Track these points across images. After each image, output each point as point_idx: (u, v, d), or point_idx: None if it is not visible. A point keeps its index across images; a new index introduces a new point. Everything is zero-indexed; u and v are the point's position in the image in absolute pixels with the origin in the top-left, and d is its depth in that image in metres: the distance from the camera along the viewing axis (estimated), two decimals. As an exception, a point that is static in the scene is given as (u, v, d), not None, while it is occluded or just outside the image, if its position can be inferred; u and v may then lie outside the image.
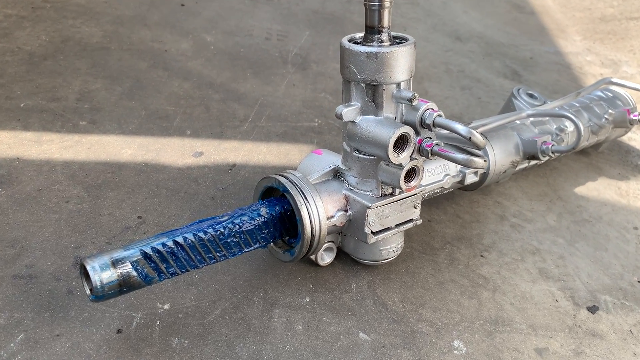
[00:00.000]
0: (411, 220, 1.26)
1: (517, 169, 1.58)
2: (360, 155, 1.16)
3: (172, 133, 1.63)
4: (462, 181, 1.43)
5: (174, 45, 2.11)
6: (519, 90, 1.80)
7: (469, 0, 3.32)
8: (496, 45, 2.74)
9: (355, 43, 1.13)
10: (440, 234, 1.48)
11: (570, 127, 1.64)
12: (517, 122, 1.60)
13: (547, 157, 1.52)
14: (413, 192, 1.21)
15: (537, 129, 1.60)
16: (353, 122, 1.13)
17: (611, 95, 1.87)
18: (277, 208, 1.15)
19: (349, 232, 1.22)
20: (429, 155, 1.13)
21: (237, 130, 1.70)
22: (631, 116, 1.73)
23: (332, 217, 1.17)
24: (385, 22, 1.08)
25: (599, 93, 1.89)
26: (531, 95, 1.80)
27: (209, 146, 1.60)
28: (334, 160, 1.28)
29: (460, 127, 1.07)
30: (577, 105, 1.77)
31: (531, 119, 1.61)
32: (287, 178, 1.16)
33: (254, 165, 1.56)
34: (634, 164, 1.93)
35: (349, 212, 1.19)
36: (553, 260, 1.45)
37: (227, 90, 1.89)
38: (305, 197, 1.13)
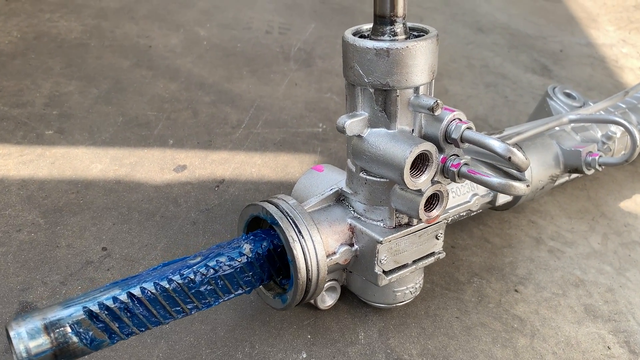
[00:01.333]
0: (432, 254, 1.03)
1: (557, 183, 1.33)
2: (368, 177, 0.93)
3: (151, 143, 1.40)
4: (492, 202, 1.19)
5: (162, 41, 1.89)
6: (554, 89, 1.55)
7: (491, -13, 3.05)
8: (522, 37, 2.48)
9: (361, 37, 0.90)
10: (466, 263, 1.24)
11: (618, 133, 1.39)
12: (556, 128, 1.35)
13: (592, 171, 1.28)
14: (441, 219, 0.98)
15: (580, 136, 1.35)
16: (359, 136, 0.90)
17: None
18: (264, 244, 0.92)
19: (355, 270, 0.99)
20: (456, 177, 0.90)
21: (228, 138, 1.47)
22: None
23: (334, 253, 0.94)
24: (400, 9, 0.84)
25: (648, 91, 1.63)
26: (569, 95, 1.55)
27: (194, 158, 1.38)
28: (337, 179, 1.06)
29: (496, 144, 0.83)
30: (624, 106, 1.51)
31: (572, 124, 1.36)
32: (277, 206, 0.93)
33: (245, 180, 1.33)
34: (688, 173, 1.67)
35: (355, 247, 0.96)
36: (600, 294, 1.21)
37: (219, 92, 1.67)
38: (299, 231, 0.89)
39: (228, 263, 0.87)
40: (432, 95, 0.90)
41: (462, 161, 0.89)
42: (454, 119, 0.87)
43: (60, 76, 1.60)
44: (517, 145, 1.23)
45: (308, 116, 1.63)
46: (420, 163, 0.87)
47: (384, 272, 0.96)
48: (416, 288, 1.06)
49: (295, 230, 0.89)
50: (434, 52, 0.85)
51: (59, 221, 1.14)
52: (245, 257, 0.89)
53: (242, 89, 1.70)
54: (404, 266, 0.99)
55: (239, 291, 0.90)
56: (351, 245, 0.96)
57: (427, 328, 1.06)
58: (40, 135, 1.37)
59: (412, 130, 0.89)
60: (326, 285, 1.02)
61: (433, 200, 0.93)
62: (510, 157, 0.83)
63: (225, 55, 1.88)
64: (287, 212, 0.91)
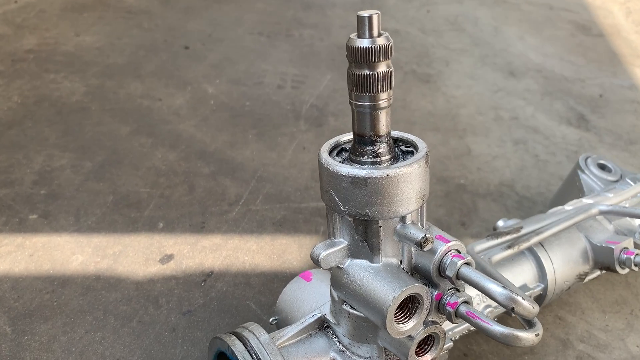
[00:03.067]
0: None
1: (587, 279, 1.17)
2: (351, 311, 0.80)
3: (139, 228, 1.31)
4: (509, 312, 1.04)
5: (167, 101, 1.81)
6: (586, 159, 1.39)
7: (526, 23, 2.88)
8: (557, 81, 2.31)
9: (341, 151, 0.78)
10: (479, 377, 1.09)
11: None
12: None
13: (627, 270, 1.11)
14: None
15: (613, 226, 1.19)
16: (338, 267, 0.77)
17: None
18: (231, 387, 0.80)
19: (339, 412, 0.87)
20: (452, 317, 0.76)
21: (223, 218, 1.37)
22: None
23: (313, 397, 0.82)
24: (383, 127, 0.72)
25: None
26: (603, 167, 1.39)
27: (183, 245, 1.28)
28: (326, 293, 0.94)
29: (497, 291, 0.69)
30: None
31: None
32: (245, 343, 0.81)
33: (236, 272, 1.23)
34: None
35: (341, 387, 0.83)
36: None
37: (220, 160, 1.57)
38: (267, 378, 0.78)
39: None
40: (424, 219, 0.77)
41: (460, 299, 0.75)
42: (449, 252, 0.74)
43: (55, 147, 1.54)
44: (540, 245, 1.09)
45: (314, 187, 1.51)
46: (410, 303, 0.75)
47: (372, 419, 0.83)
48: None
49: (263, 377, 0.78)
50: (423, 176, 0.72)
51: (28, 329, 1.06)
52: (207, 405, 0.78)
53: (246, 156, 1.60)
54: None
55: None
56: (332, 383, 0.84)
57: None
58: (23, 221, 1.30)
59: (401, 261, 0.76)
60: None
61: (428, 341, 0.80)
62: (513, 308, 0.69)
63: (232, 116, 1.78)
64: (255, 353, 0.80)
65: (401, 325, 0.73)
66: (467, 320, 0.74)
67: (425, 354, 0.79)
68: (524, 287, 1.05)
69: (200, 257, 1.25)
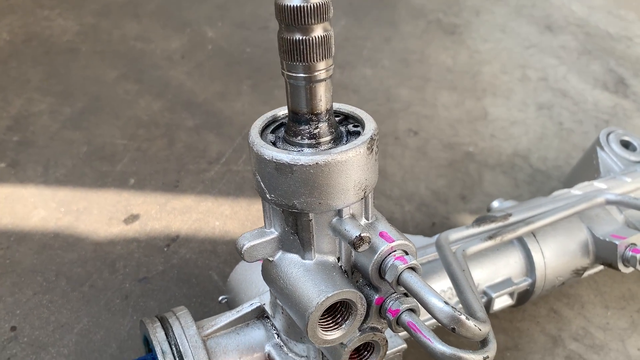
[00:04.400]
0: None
1: (586, 274, 1.05)
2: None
3: (109, 183, 1.25)
4: (487, 308, 0.93)
5: (161, 44, 1.71)
6: (608, 135, 1.24)
7: (574, -31, 2.61)
8: (600, 38, 2.08)
9: (279, 128, 0.67)
10: (450, 373, 1.00)
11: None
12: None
13: (631, 269, 0.98)
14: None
15: (623, 217, 1.05)
16: (269, 260, 0.68)
17: None
18: (152, 376, 0.74)
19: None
20: (394, 326, 0.67)
21: (200, 177, 1.29)
22: None
23: (240, 394, 0.74)
24: (320, 104, 0.61)
25: None
26: (627, 145, 1.23)
27: (152, 205, 1.21)
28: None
29: (437, 307, 0.59)
30: None
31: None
32: (166, 330, 0.74)
33: (204, 238, 1.15)
34: None
35: (280, 384, 0.76)
36: None
37: (207, 113, 1.47)
38: (184, 369, 0.71)
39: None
40: (369, 211, 0.66)
41: (403, 307, 0.65)
42: (393, 252, 0.63)
43: (36, 91, 1.47)
44: (531, 234, 0.96)
45: (304, 148, 1.41)
46: (343, 307, 0.65)
47: (306, 423, 0.76)
48: None
49: (180, 370, 0.70)
50: (364, 165, 0.61)
51: (-25, 287, 1.02)
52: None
53: (236, 109, 1.50)
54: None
55: None
56: (268, 379, 0.76)
57: None
58: (-10, 169, 1.26)
59: (338, 258, 0.66)
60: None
61: (368, 348, 0.71)
62: (454, 329, 0.58)
63: (229, 63, 1.67)
64: (175, 344, 0.72)
65: (328, 333, 0.64)
66: (408, 331, 0.64)
67: (364, 361, 0.70)
68: (508, 282, 0.94)
69: (168, 219, 1.18)
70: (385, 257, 0.64)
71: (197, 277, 1.08)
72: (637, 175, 1.11)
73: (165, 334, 0.74)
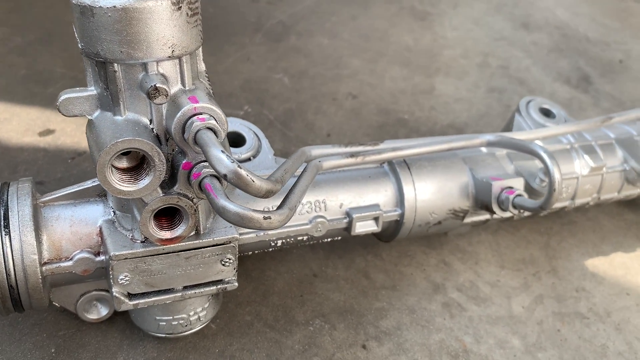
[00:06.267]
0: (219, 281, 0.82)
1: (469, 221, 1.04)
2: (109, 172, 0.74)
3: (36, 102, 1.30)
4: (348, 229, 0.94)
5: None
6: (528, 103, 1.24)
7: (568, -21, 2.61)
8: (577, 40, 2.08)
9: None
10: (319, 299, 1.01)
11: (584, 169, 1.08)
12: (484, 150, 1.06)
13: (508, 213, 0.98)
14: (213, 241, 0.77)
15: (514, 167, 1.05)
16: (89, 119, 0.71)
17: (683, 127, 1.23)
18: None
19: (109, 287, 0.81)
20: (196, 190, 0.69)
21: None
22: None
23: (68, 259, 0.77)
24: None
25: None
26: (547, 113, 1.23)
27: (69, 124, 1.25)
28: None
29: (221, 158, 0.60)
30: (612, 136, 1.17)
31: (504, 150, 1.05)
32: (2, 191, 0.77)
33: (111, 157, 1.19)
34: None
35: (102, 257, 0.78)
36: (488, 378, 0.93)
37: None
38: (6, 226, 0.73)
39: None
40: (186, 80, 0.68)
41: (204, 171, 0.67)
42: (198, 114, 0.65)
43: (-4, 21, 1.55)
44: (406, 167, 0.97)
45: (238, 96, 1.44)
46: (145, 165, 0.67)
47: (129, 294, 0.77)
48: (197, 319, 0.86)
49: (2, 225, 0.73)
50: (168, 21, 0.64)
51: None
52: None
53: (182, 57, 1.54)
54: (168, 291, 0.80)
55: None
56: (97, 254, 0.78)
57: (207, 371, 0.86)
58: None
59: (151, 120, 0.68)
60: (92, 294, 0.85)
61: (176, 215, 0.72)
62: (226, 175, 0.60)
63: (189, 19, 1.72)
64: (4, 202, 0.75)
65: (123, 185, 0.66)
66: (206, 194, 0.66)
67: (175, 228, 0.72)
68: (374, 207, 0.94)
69: (82, 137, 1.22)
70: (190, 119, 0.66)
71: (93, 187, 1.11)
72: (539, 130, 1.11)
73: (1, 192, 0.77)
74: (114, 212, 0.79)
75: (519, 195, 0.95)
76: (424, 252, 1.14)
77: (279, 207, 0.67)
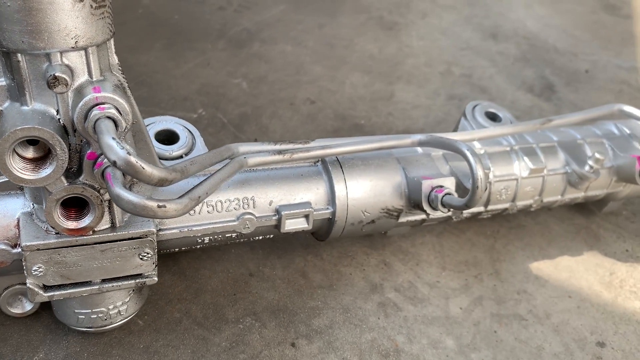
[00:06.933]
0: (138, 275, 0.82)
1: (405, 220, 1.05)
2: (21, 164, 0.74)
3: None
4: (278, 226, 0.94)
5: (94, 3, 1.80)
6: (474, 107, 1.25)
7: (542, -8, 2.64)
8: (544, 50, 2.10)
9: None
10: (251, 298, 1.01)
11: (522, 171, 1.09)
12: (420, 150, 1.07)
13: (438, 213, 0.98)
14: (128, 234, 0.77)
15: (449, 167, 1.05)
16: (0, 110, 0.72)
17: (628, 132, 1.25)
18: None
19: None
20: (99, 179, 0.69)
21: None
22: None
23: (-21, 250, 0.77)
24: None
25: (611, 127, 1.27)
26: (493, 117, 1.24)
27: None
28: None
29: (113, 146, 0.61)
30: (555, 139, 1.18)
31: (440, 151, 1.06)
32: None
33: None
34: (649, 241, 1.28)
35: (18, 249, 0.78)
36: (417, 377, 0.93)
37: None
38: None
39: None
40: (93, 71, 0.69)
41: (107, 160, 0.68)
42: (100, 104, 0.66)
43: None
44: (338, 166, 0.97)
45: (193, 100, 1.45)
46: (50, 154, 0.68)
47: (44, 286, 0.77)
48: (117, 313, 0.86)
49: None
50: (71, 12, 0.64)
51: None
52: None
53: (141, 61, 1.56)
54: (85, 284, 0.80)
55: None
56: (14, 246, 0.78)
57: (126, 366, 0.86)
58: None
59: (57, 111, 0.69)
60: (16, 288, 0.85)
61: (84, 206, 0.73)
62: (115, 162, 0.60)
63: (152, 25, 1.74)
64: None
65: (26, 173, 0.66)
66: (105, 183, 0.67)
67: (82, 218, 0.72)
68: (305, 204, 0.95)
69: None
70: (93, 108, 0.67)
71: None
72: (476, 131, 1.11)
73: None
74: (32, 205, 0.80)
75: (448, 193, 0.96)
76: (365, 252, 1.14)
77: (179, 197, 0.67)
